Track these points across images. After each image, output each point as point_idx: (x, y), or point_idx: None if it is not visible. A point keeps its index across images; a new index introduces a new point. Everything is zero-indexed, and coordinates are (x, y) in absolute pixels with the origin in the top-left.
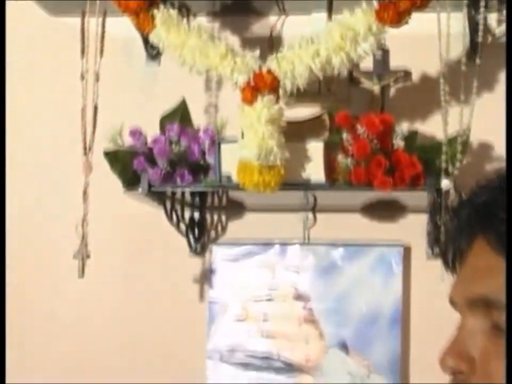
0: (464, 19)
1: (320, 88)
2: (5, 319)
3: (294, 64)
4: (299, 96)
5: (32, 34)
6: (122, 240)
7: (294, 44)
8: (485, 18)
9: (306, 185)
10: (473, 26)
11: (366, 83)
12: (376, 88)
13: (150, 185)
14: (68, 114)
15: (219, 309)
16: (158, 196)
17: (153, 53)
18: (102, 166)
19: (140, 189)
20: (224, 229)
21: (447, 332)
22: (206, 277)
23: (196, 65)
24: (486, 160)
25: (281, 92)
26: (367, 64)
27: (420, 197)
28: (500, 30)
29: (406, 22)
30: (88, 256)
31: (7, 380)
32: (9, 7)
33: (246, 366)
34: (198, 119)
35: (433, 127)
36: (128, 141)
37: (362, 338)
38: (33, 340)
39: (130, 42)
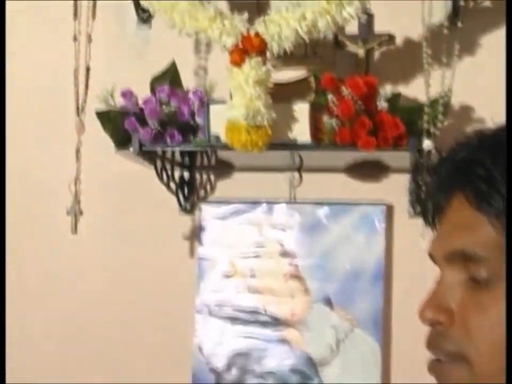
0: None
1: (306, 51)
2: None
3: (281, 27)
4: (286, 58)
5: None
6: (114, 198)
7: (281, 7)
8: None
9: (292, 145)
10: None
11: (351, 46)
12: (360, 52)
13: (141, 145)
14: (61, 75)
15: (208, 265)
16: (148, 155)
17: (144, 16)
18: (94, 126)
19: (131, 149)
20: (213, 188)
21: (427, 286)
22: (195, 234)
23: (186, 28)
24: (466, 121)
25: (268, 54)
26: (352, 28)
27: (402, 157)
28: None
29: None
30: (80, 213)
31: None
32: None
33: (233, 320)
34: (188, 81)
35: (415, 89)
36: (119, 101)
37: (346, 294)
38: (27, 294)
39: (122, 5)
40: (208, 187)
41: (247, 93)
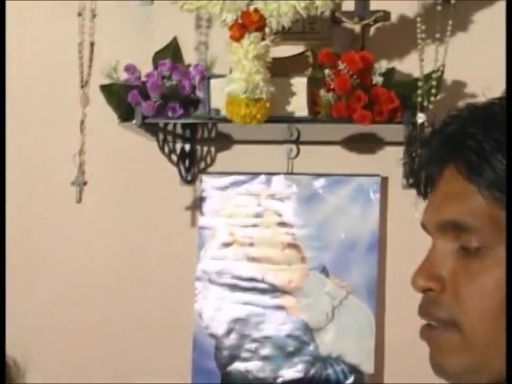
0: None
1: (304, 27)
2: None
3: (280, 3)
4: (284, 34)
5: None
6: (118, 170)
7: None
8: None
9: (290, 119)
10: None
11: (347, 23)
12: (357, 28)
13: (143, 118)
14: (66, 50)
15: (208, 235)
16: (151, 128)
17: None
18: (98, 99)
19: (134, 121)
20: (213, 160)
21: (420, 255)
22: (196, 204)
23: (187, 4)
24: (459, 96)
25: (267, 30)
26: (348, 5)
27: (396, 130)
28: None
29: None
30: (85, 183)
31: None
32: None
33: (232, 287)
34: (189, 56)
35: (410, 64)
36: (123, 75)
37: (341, 262)
38: (35, 259)
39: None
40: (209, 159)
41: (246, 67)
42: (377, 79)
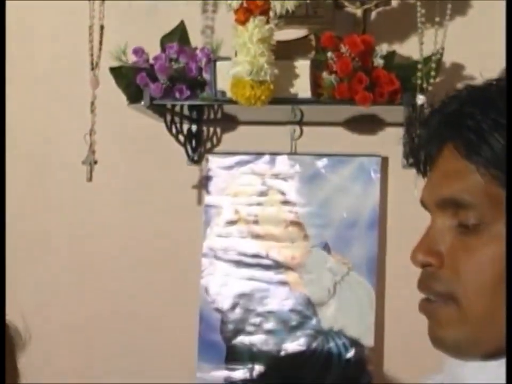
0: None
1: (307, 11)
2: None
3: None
4: (288, 18)
5: None
6: (127, 149)
7: None
8: None
9: (293, 100)
10: None
11: (349, 7)
12: (358, 12)
13: (151, 99)
14: (76, 33)
15: (214, 213)
16: (159, 109)
17: None
18: (108, 81)
19: (143, 102)
20: (219, 140)
21: (419, 233)
22: (202, 183)
23: None
24: (457, 78)
25: (271, 14)
26: None
27: (397, 112)
28: None
29: None
30: (95, 162)
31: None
32: None
33: (238, 263)
34: (196, 39)
35: (410, 47)
36: (131, 58)
37: (342, 240)
38: (46, 237)
39: None
40: (215, 139)
41: (251, 50)
42: (378, 62)
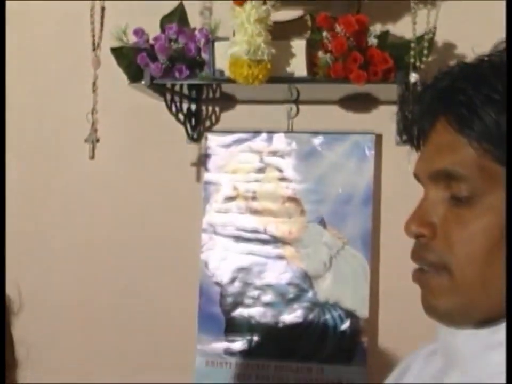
0: None
1: None
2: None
3: None
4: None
5: None
6: (128, 128)
7: None
8: None
9: (290, 79)
10: None
11: None
12: None
13: (152, 79)
14: (78, 14)
15: (213, 189)
16: (159, 89)
17: None
18: (109, 61)
19: (143, 82)
20: (217, 118)
21: (412, 208)
22: (201, 161)
23: None
24: (449, 57)
25: None
26: None
27: (390, 90)
28: None
29: None
30: (97, 141)
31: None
32: None
33: (236, 238)
34: (194, 20)
35: (403, 27)
36: (132, 39)
37: (338, 215)
38: (50, 213)
39: None
40: (213, 118)
41: (248, 30)
42: (372, 41)
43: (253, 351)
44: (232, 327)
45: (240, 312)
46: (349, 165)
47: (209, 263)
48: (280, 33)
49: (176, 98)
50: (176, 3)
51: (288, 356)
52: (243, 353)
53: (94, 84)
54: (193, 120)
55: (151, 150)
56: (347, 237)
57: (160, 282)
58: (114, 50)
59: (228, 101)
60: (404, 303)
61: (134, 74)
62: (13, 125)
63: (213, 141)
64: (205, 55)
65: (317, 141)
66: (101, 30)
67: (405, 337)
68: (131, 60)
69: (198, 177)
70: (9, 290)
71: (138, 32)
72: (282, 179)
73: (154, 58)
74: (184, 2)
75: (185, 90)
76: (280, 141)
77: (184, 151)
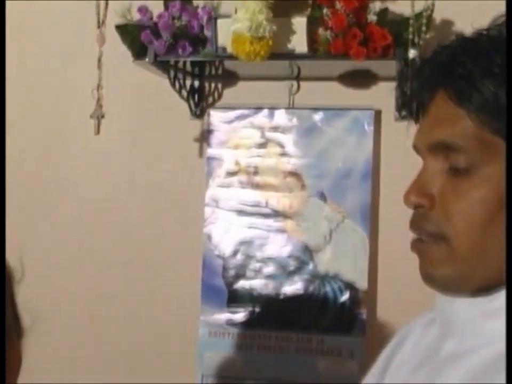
0: None
1: None
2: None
3: None
4: None
5: None
6: (133, 104)
7: None
8: None
9: (291, 55)
10: None
11: None
12: None
13: (155, 56)
14: None
15: (216, 164)
16: (162, 65)
17: None
18: (114, 38)
19: (147, 59)
20: (220, 95)
21: (410, 181)
22: (204, 136)
23: None
24: (447, 34)
25: None
26: None
27: (389, 66)
28: None
29: None
30: (102, 116)
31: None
32: None
33: (239, 212)
34: None
35: (402, 4)
36: (136, 16)
37: (338, 189)
38: (57, 185)
39: None
40: (216, 94)
41: (250, 7)
42: (372, 18)
43: (255, 322)
44: (234, 299)
45: (242, 284)
46: (348, 140)
47: (212, 237)
48: (281, 10)
49: (180, 75)
50: None
51: (289, 327)
52: (245, 324)
53: (99, 60)
54: (196, 97)
55: (155, 126)
56: (347, 210)
57: (164, 255)
58: (118, 28)
59: (230, 78)
60: (402, 275)
61: (138, 51)
62: (19, 102)
63: (216, 117)
64: (207, 32)
65: (317, 116)
66: (106, 8)
67: (403, 309)
68: (135, 37)
69: (201, 153)
70: (12, 259)
71: (142, 9)
72: (283, 154)
73: (158, 36)
74: None
75: (188, 67)
76: (281, 117)
77: (187, 127)
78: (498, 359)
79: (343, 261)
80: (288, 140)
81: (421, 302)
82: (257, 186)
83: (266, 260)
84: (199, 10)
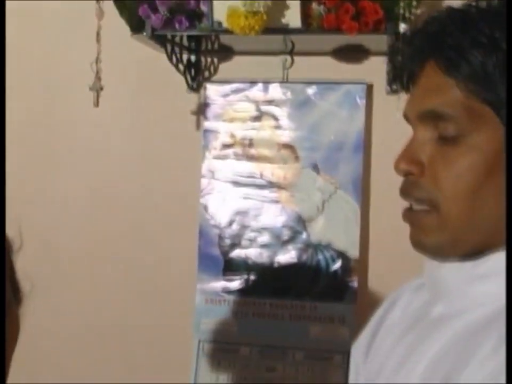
0: None
1: None
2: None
3: None
4: None
5: None
6: (130, 78)
7: None
8: None
9: (285, 30)
10: None
11: None
12: None
13: (153, 30)
14: None
15: (212, 137)
16: (160, 40)
17: None
18: (113, 13)
19: (145, 33)
20: (216, 69)
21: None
22: (201, 110)
23: None
24: (437, 8)
25: None
26: None
27: (381, 41)
28: None
29: None
30: (101, 89)
31: None
32: None
33: (235, 183)
34: None
35: None
36: None
37: (330, 161)
38: (57, 157)
39: None
40: (212, 69)
41: None
42: None
43: (250, 290)
44: (230, 267)
45: (237, 253)
46: (341, 113)
47: (209, 207)
48: None
49: (177, 50)
50: None
51: (283, 294)
52: (240, 292)
53: (97, 34)
54: (192, 71)
55: (153, 99)
56: (339, 182)
57: (161, 225)
58: (116, 2)
59: (226, 52)
60: (393, 244)
61: (136, 26)
62: (19, 75)
63: (212, 90)
64: (203, 7)
65: (311, 90)
66: None
67: (393, 277)
68: (133, 11)
69: (198, 125)
70: (11, 229)
71: None
72: (278, 127)
73: (155, 10)
74: None
75: (185, 42)
76: (275, 91)
77: (184, 100)
78: (485, 322)
79: (335, 230)
80: (282, 113)
81: (410, 271)
82: (252, 158)
83: (261, 230)
84: None
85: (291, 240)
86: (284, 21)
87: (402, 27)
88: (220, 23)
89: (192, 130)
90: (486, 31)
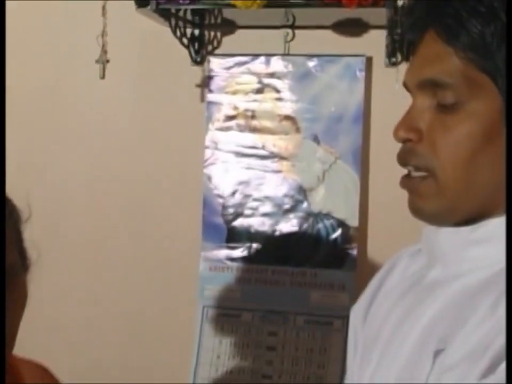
0: None
1: None
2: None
3: None
4: None
5: None
6: (136, 50)
7: None
8: None
9: (286, 3)
10: None
11: None
12: None
13: (157, 4)
14: None
15: (215, 108)
16: (164, 13)
17: None
18: None
19: (149, 7)
20: (219, 43)
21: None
22: (204, 82)
23: None
24: None
25: None
26: None
27: (380, 14)
28: None
29: None
30: (107, 61)
31: None
32: None
33: (237, 154)
34: None
35: None
36: None
37: (331, 132)
38: (65, 130)
39: None
40: (215, 42)
41: None
42: None
43: (252, 257)
44: (233, 236)
45: (240, 222)
46: (341, 85)
47: (212, 177)
48: None
49: (181, 24)
50: None
51: (284, 261)
52: (243, 259)
53: (103, 7)
54: (196, 44)
55: (158, 72)
56: (339, 152)
57: (166, 195)
58: None
59: (229, 26)
60: (391, 213)
61: None
62: (25, 47)
63: (215, 63)
64: None
65: (312, 63)
66: None
67: (392, 245)
68: None
69: (201, 98)
70: (20, 200)
71: None
72: (279, 99)
73: None
74: None
75: (189, 16)
76: (277, 64)
77: (188, 73)
78: (481, 286)
79: (336, 200)
80: (283, 85)
81: (408, 240)
82: (254, 129)
83: (263, 199)
84: None
85: (292, 209)
86: None
87: (401, 1)
88: None
89: (196, 103)
90: (484, 0)
